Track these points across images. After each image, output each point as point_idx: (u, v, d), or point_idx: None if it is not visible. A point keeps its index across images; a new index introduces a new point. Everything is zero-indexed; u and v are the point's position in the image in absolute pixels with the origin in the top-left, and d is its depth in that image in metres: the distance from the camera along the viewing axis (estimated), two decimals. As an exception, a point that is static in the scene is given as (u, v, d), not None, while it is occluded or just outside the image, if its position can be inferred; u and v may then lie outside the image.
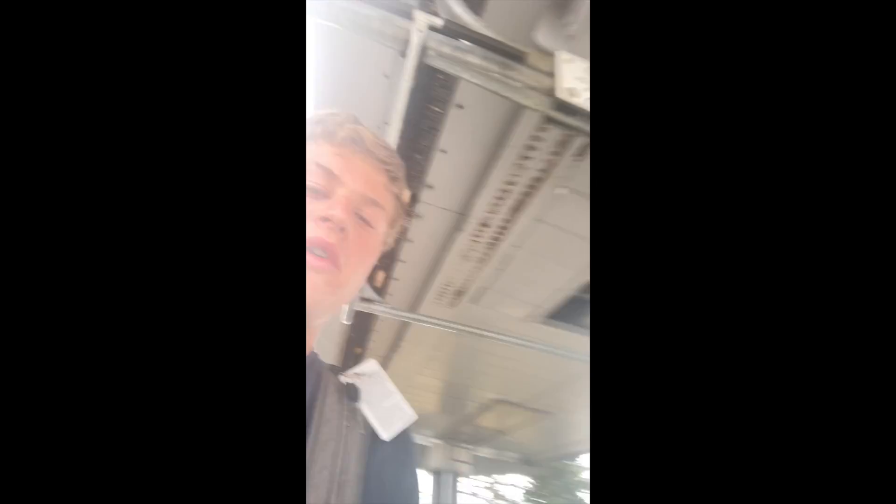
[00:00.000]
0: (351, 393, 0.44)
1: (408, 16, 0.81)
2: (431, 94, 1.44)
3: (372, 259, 0.49)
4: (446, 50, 0.85)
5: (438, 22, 0.82)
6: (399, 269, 2.03)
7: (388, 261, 2.07)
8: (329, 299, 0.43)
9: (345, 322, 1.36)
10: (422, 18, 0.81)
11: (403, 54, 0.83)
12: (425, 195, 1.69)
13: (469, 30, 0.84)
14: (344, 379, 0.46)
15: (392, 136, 1.00)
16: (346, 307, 1.33)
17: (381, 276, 2.10)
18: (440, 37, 0.84)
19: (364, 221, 0.46)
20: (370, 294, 1.19)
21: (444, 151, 1.54)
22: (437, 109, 1.50)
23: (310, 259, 0.41)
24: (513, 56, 0.84)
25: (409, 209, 0.56)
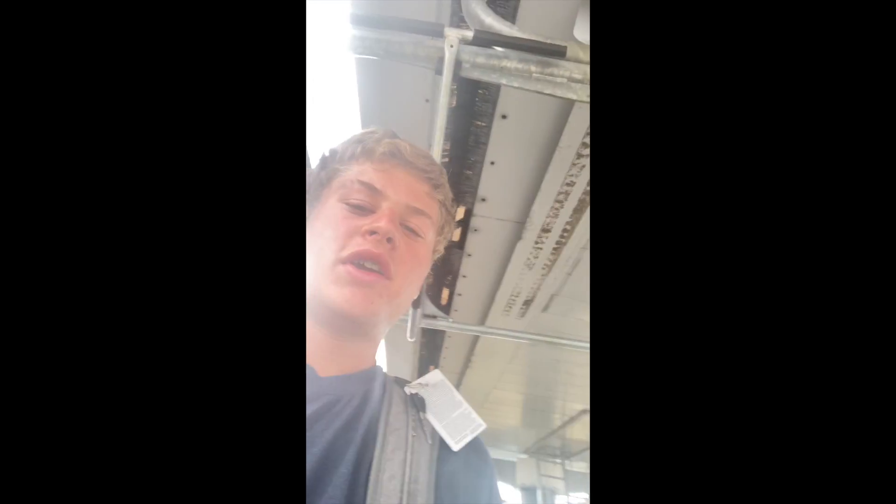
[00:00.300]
0: (416, 403, 0.43)
1: (439, 34, 0.83)
2: (474, 109, 1.46)
3: (423, 268, 0.49)
4: (481, 60, 0.85)
5: (469, 34, 0.83)
6: (462, 285, 2.04)
7: (449, 277, 2.08)
8: (384, 309, 0.43)
9: (409, 339, 1.38)
10: (453, 34, 0.82)
11: (439, 72, 0.84)
12: (480, 208, 1.69)
13: (502, 36, 0.84)
14: (409, 389, 0.46)
15: (437, 154, 1.01)
16: (408, 324, 1.35)
17: (444, 293, 2.11)
18: (473, 48, 0.85)
19: (411, 231, 0.47)
20: (432, 310, 1.20)
21: (493, 163, 1.54)
22: (481, 124, 1.51)
23: (361, 272, 0.41)
24: (551, 52, 0.82)
25: (453, 212, 0.56)
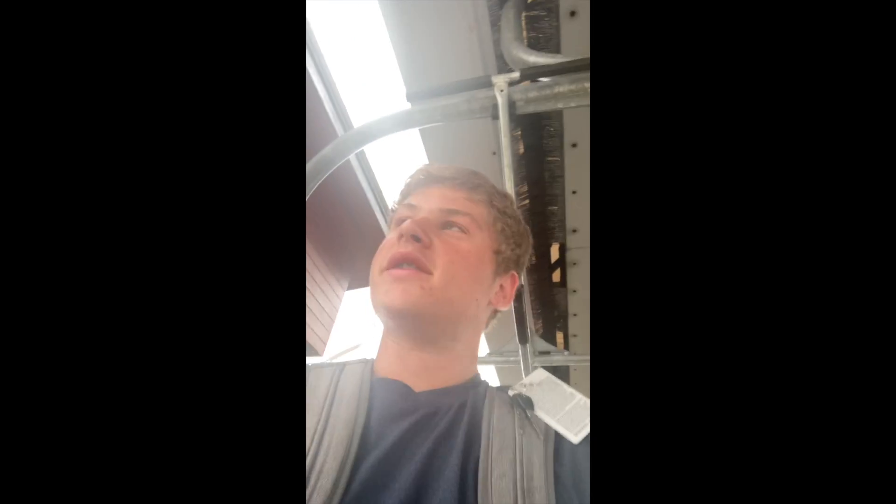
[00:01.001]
0: (522, 402, 0.42)
1: (489, 85, 0.90)
2: (542, 147, 1.49)
3: (473, 263, 0.49)
4: (533, 94, 0.89)
5: (516, 75, 0.88)
6: (574, 325, 1.94)
7: (560, 321, 2.00)
8: (430, 302, 0.44)
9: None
10: (500, 80, 0.88)
11: (496, 116, 0.90)
12: (573, 240, 1.65)
13: (546, 66, 0.88)
14: (511, 392, 0.44)
15: (512, 193, 1.04)
16: (521, 363, 1.30)
17: (559, 337, 2.03)
18: (523, 86, 0.90)
19: (454, 228, 0.50)
20: (544, 346, 1.16)
21: (574, 192, 1.52)
22: (553, 158, 1.52)
23: (397, 271, 0.45)
24: (595, 67, 0.84)
25: (510, 210, 0.56)
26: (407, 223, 0.47)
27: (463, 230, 0.50)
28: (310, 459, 0.35)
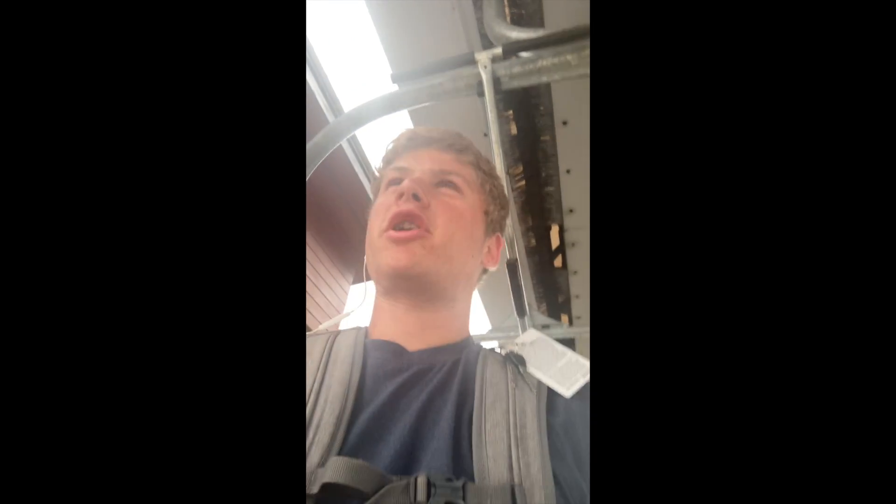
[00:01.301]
0: (514, 360, 0.42)
1: (472, 62, 0.89)
2: (535, 126, 1.48)
3: (467, 222, 0.50)
4: (517, 69, 0.88)
5: (499, 51, 0.87)
6: (578, 306, 1.94)
7: (563, 300, 2.00)
8: (432, 261, 0.45)
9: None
10: (483, 56, 0.87)
11: (481, 94, 0.89)
12: (570, 220, 1.65)
13: (528, 40, 0.87)
14: (503, 351, 0.45)
15: (501, 174, 1.04)
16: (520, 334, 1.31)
17: (564, 320, 2.03)
18: (506, 62, 0.89)
19: (448, 186, 0.50)
20: (543, 320, 1.16)
21: (568, 171, 1.51)
22: (546, 138, 1.52)
23: (400, 233, 0.45)
24: (579, 36, 0.83)
25: (491, 171, 0.57)
26: (406, 182, 0.47)
27: (457, 189, 0.51)
28: (307, 416, 0.36)
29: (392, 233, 0.46)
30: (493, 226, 0.56)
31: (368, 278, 0.59)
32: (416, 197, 0.47)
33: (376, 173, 0.57)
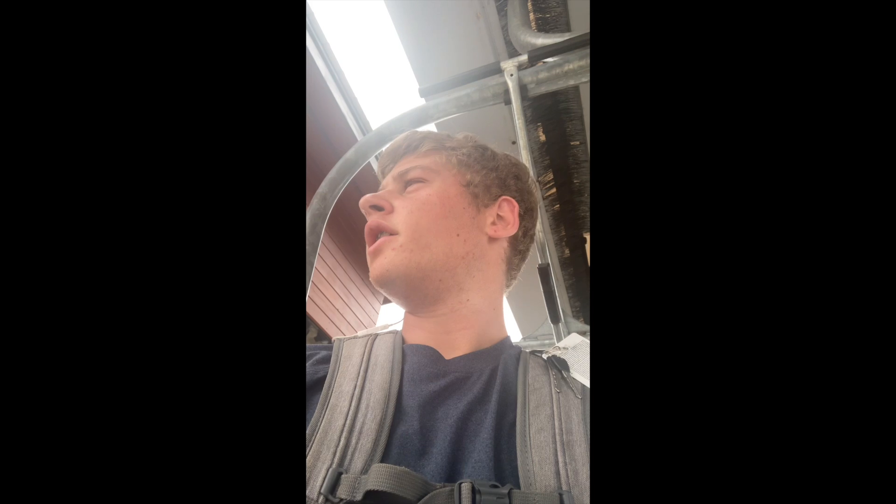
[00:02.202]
0: (557, 364, 0.41)
1: (498, 71, 0.89)
2: (565, 132, 1.46)
3: (434, 202, 0.48)
4: (543, 75, 0.88)
5: (524, 58, 0.87)
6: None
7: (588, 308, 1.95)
8: (409, 259, 0.44)
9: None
10: (509, 65, 0.87)
11: (509, 102, 0.89)
12: (606, 227, 1.61)
13: (552, 45, 0.86)
14: (546, 355, 0.43)
15: (534, 174, 1.03)
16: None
17: (582, 321, 1.98)
18: (532, 69, 0.89)
19: (410, 184, 0.50)
20: (581, 327, 1.12)
21: (601, 176, 1.49)
22: (576, 143, 1.49)
23: (371, 247, 0.47)
24: (605, 38, 0.82)
25: (472, 146, 0.55)
26: (362, 200, 0.48)
27: (420, 181, 0.50)
28: (349, 421, 0.35)
29: (368, 249, 0.47)
30: (487, 192, 0.51)
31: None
32: (375, 207, 0.48)
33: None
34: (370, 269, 0.47)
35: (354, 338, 0.47)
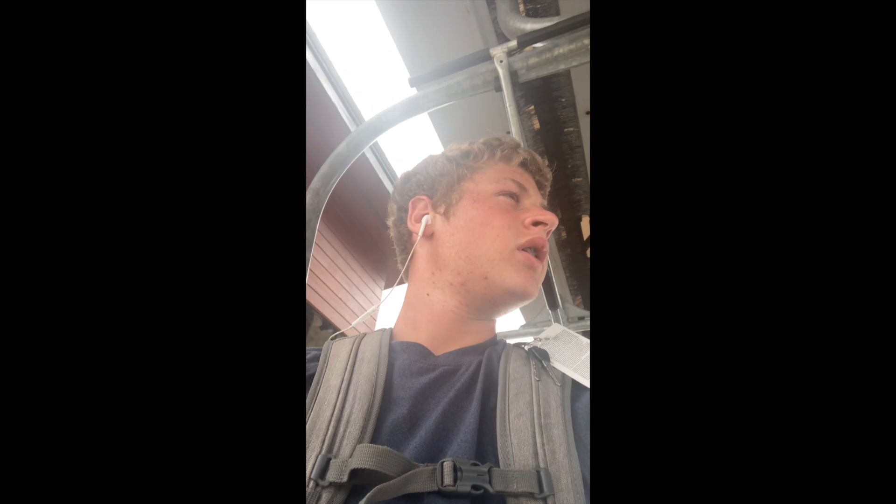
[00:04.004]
0: (538, 354, 0.42)
1: (487, 57, 0.88)
2: (558, 119, 1.46)
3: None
4: (533, 60, 0.87)
5: (513, 44, 0.86)
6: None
7: (585, 286, 1.96)
8: (535, 293, 0.48)
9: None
10: (498, 51, 0.86)
11: (500, 89, 0.88)
12: (602, 210, 1.61)
13: (541, 29, 0.86)
14: (527, 346, 0.44)
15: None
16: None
17: (578, 300, 2.00)
18: (522, 55, 0.88)
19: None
20: (577, 312, 1.13)
21: (596, 160, 1.49)
22: (570, 129, 1.49)
23: (535, 259, 0.47)
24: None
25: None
26: (549, 214, 0.50)
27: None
28: (337, 411, 0.37)
29: (528, 255, 0.47)
30: None
31: (401, 283, 0.59)
32: (548, 234, 0.50)
33: (469, 161, 0.56)
34: (519, 274, 0.46)
35: (341, 337, 0.49)
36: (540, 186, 0.58)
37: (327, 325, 3.87)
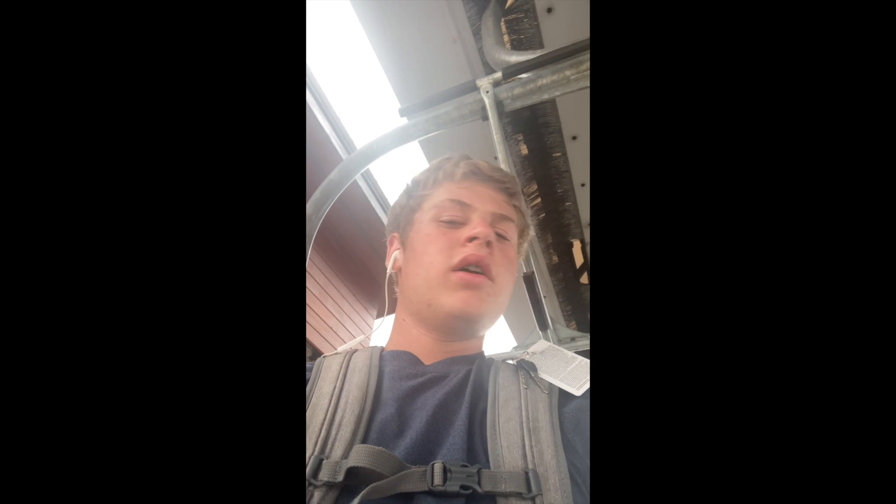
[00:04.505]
0: (526, 366, 0.43)
1: (474, 88, 0.92)
2: (545, 144, 1.50)
3: (514, 269, 0.52)
4: (518, 90, 0.91)
5: (498, 75, 0.90)
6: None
7: (579, 311, 1.97)
8: (491, 309, 0.47)
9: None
10: (484, 82, 0.90)
11: (486, 118, 0.92)
12: (589, 235, 1.64)
13: (526, 61, 0.90)
14: (513, 361, 0.45)
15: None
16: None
17: (572, 325, 2.00)
18: (507, 85, 0.92)
19: (500, 235, 0.51)
20: (568, 333, 1.14)
21: (583, 185, 1.52)
22: (557, 154, 1.53)
23: (471, 276, 0.45)
24: (576, 52, 0.85)
25: (528, 213, 0.59)
26: (484, 228, 0.48)
27: (506, 236, 0.52)
28: (329, 416, 0.38)
29: (463, 274, 0.46)
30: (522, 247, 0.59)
31: (391, 312, 0.59)
32: (489, 245, 0.48)
33: (417, 190, 0.56)
34: (453, 294, 0.46)
35: (333, 354, 0.49)
36: (500, 190, 0.54)
37: (318, 355, 3.82)
